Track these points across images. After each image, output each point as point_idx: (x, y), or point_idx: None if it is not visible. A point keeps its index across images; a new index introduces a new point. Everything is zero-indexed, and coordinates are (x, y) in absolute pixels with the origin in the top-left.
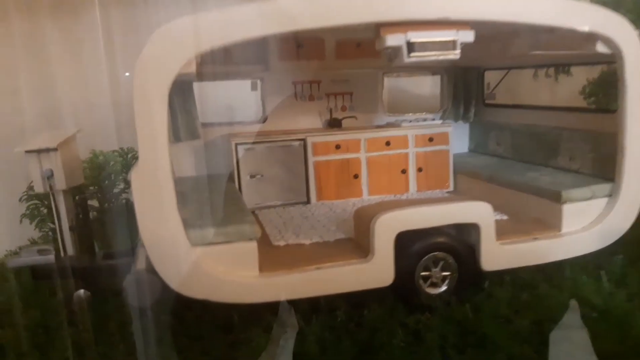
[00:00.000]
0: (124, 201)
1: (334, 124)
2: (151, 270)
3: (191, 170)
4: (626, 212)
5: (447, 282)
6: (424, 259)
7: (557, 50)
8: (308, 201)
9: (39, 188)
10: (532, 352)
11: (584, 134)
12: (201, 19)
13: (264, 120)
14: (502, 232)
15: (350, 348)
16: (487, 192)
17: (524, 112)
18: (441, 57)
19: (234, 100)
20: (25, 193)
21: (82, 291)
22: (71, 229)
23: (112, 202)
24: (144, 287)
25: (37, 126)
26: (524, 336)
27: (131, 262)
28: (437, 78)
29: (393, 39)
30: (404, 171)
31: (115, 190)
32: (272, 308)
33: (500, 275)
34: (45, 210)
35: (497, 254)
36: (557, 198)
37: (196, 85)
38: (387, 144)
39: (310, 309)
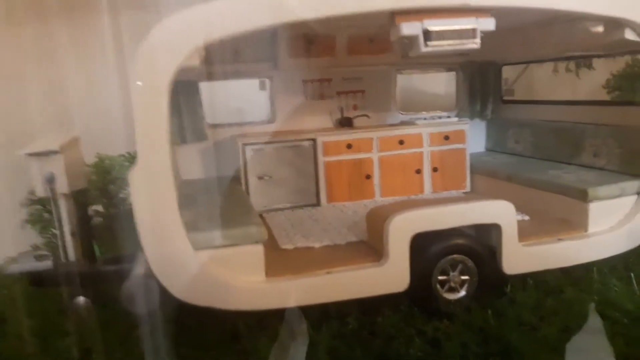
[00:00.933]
0: (129, 206)
1: (345, 123)
2: (151, 275)
3: (198, 173)
4: None
5: (466, 286)
6: (441, 262)
7: (581, 40)
8: (318, 203)
9: (40, 192)
10: None
11: (610, 129)
12: (202, 10)
13: (273, 120)
14: (525, 233)
15: (363, 358)
16: (507, 192)
17: (544, 107)
18: (460, 47)
19: (243, 100)
20: (28, 197)
21: (81, 298)
22: (73, 234)
23: (117, 206)
24: (143, 293)
25: (47, 130)
26: (551, 344)
27: (133, 267)
28: (452, 74)
29: (409, 28)
30: (418, 171)
31: (121, 195)
32: (281, 315)
33: (523, 279)
34: (48, 215)
35: (519, 256)
36: (582, 196)
37: (203, 85)
38: (401, 142)
39: (319, 316)
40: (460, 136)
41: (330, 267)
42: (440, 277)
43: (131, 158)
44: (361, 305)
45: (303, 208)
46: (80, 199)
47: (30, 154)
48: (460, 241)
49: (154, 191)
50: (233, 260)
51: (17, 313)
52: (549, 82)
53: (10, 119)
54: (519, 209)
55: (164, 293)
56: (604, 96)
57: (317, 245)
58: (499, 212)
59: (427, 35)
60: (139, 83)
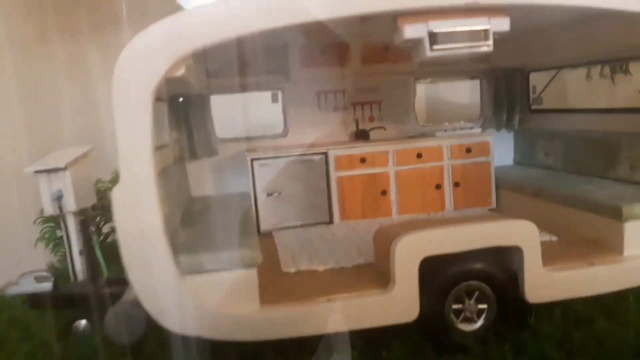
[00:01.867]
0: None
1: (360, 136)
2: (137, 302)
3: (209, 189)
4: None
5: (483, 316)
6: (455, 289)
7: (614, 41)
8: (331, 221)
9: (48, 210)
10: None
11: None
12: (184, 17)
13: (286, 133)
14: (551, 256)
15: None
16: (534, 209)
17: (576, 116)
18: (471, 50)
19: (255, 114)
20: (39, 215)
21: (82, 322)
22: (81, 253)
23: None
24: (128, 322)
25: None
26: None
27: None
28: (476, 83)
29: (412, 30)
30: (438, 186)
31: None
32: (277, 347)
33: (548, 309)
34: (60, 233)
35: (544, 283)
36: (617, 215)
37: (213, 99)
38: (419, 156)
39: (319, 349)
40: (484, 148)
41: (331, 294)
42: (454, 306)
43: None
44: (366, 337)
45: (315, 226)
46: (85, 217)
47: (38, 171)
48: (476, 266)
49: (137, 211)
50: (223, 287)
51: (13, 337)
52: (581, 90)
53: (43, 135)
54: (547, 228)
55: (151, 322)
56: None
57: (321, 268)
58: (520, 233)
59: (433, 37)
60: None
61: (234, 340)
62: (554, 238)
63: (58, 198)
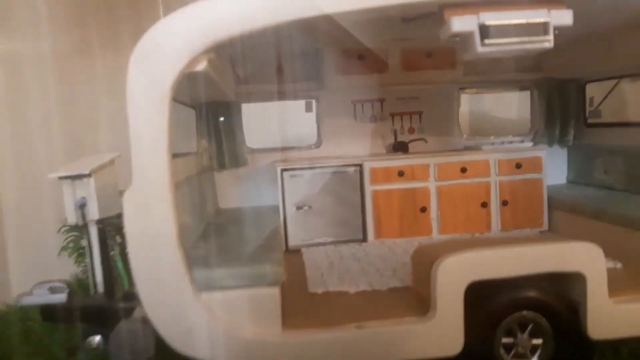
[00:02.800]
0: None
1: (399, 148)
2: (147, 320)
3: (237, 201)
4: None
5: (538, 353)
6: (506, 319)
7: None
8: (364, 239)
9: (71, 218)
10: None
11: None
12: (206, 7)
13: (319, 144)
14: (617, 285)
15: None
16: (594, 232)
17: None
18: (528, 46)
19: (287, 124)
20: (63, 224)
21: (97, 337)
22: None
23: None
24: (133, 340)
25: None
26: None
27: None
28: (526, 94)
29: (461, 23)
30: (484, 204)
31: None
32: None
33: (615, 347)
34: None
35: (610, 316)
36: None
37: (244, 108)
38: (463, 170)
39: None
40: (535, 164)
41: (362, 320)
42: (504, 340)
43: None
44: None
45: (347, 244)
46: (103, 226)
47: (62, 177)
48: (531, 294)
49: (149, 218)
50: (242, 306)
51: (25, 351)
52: None
53: (81, 145)
54: (609, 254)
55: (161, 342)
56: None
57: (352, 290)
58: (584, 257)
59: (485, 31)
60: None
61: None
62: (619, 265)
63: (81, 206)
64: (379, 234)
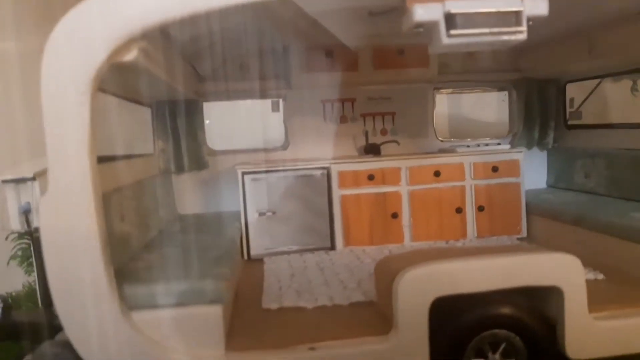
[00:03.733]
0: None
1: (370, 151)
2: (67, 343)
3: (197, 207)
4: None
5: None
6: (476, 339)
7: None
8: (332, 247)
9: (15, 225)
10: None
11: None
12: None
13: (287, 146)
14: (598, 299)
15: None
16: (574, 240)
17: (624, 132)
18: (499, 38)
19: (253, 124)
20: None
21: (29, 357)
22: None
23: None
24: None
25: None
26: None
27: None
28: (504, 95)
29: (425, 11)
30: (459, 210)
31: None
32: None
33: None
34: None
35: (589, 334)
36: None
37: (207, 107)
38: (437, 174)
39: None
40: (512, 167)
41: (317, 340)
42: None
43: None
44: None
45: (314, 252)
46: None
47: (5, 181)
48: (504, 310)
49: (69, 228)
50: (180, 327)
51: None
52: (625, 105)
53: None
54: (590, 263)
55: None
56: None
57: (309, 305)
58: (561, 270)
59: (451, 20)
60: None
61: None
62: (600, 276)
63: (25, 212)
64: (347, 241)
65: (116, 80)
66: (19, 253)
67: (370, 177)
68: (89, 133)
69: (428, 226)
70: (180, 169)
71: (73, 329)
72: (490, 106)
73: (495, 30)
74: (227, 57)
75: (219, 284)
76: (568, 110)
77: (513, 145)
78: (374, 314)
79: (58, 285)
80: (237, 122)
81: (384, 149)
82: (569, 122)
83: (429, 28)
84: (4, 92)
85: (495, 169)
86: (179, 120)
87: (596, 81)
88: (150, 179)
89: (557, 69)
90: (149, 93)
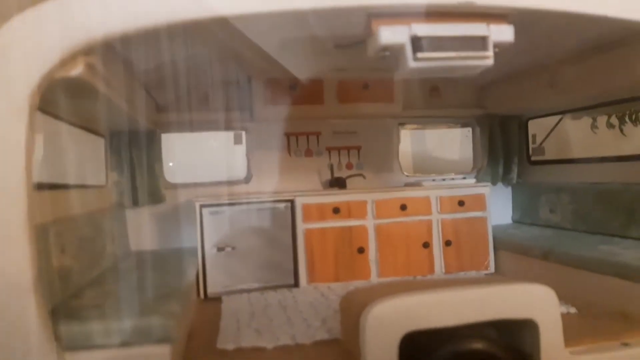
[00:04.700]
0: None
1: (336, 184)
2: None
3: (152, 243)
4: None
5: None
6: None
7: (629, 77)
8: (296, 284)
9: None
10: None
11: None
12: None
13: (249, 180)
14: (572, 333)
15: None
16: (544, 275)
17: (587, 167)
18: (465, 62)
19: (214, 156)
20: None
21: None
22: None
23: None
24: None
25: None
26: None
27: None
28: (467, 131)
29: (390, 34)
30: (426, 245)
31: None
32: None
33: None
34: None
35: None
36: None
37: (165, 138)
38: (403, 207)
39: None
40: (479, 202)
41: None
42: None
43: None
44: None
45: (276, 290)
46: None
47: None
48: (477, 346)
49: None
50: None
51: None
52: (587, 142)
53: None
54: (562, 297)
55: None
56: None
57: (270, 345)
58: (536, 301)
59: (417, 43)
60: None
61: None
62: (572, 309)
63: None
64: (312, 278)
65: (67, 105)
66: None
67: (336, 210)
68: (25, 154)
69: (395, 261)
70: (134, 203)
71: None
72: (454, 142)
73: (463, 54)
74: (188, 88)
75: (167, 321)
76: (531, 146)
77: (478, 180)
78: (339, 353)
79: None
80: (197, 155)
81: (349, 183)
82: (532, 158)
83: (395, 52)
84: None
85: (461, 203)
86: (134, 151)
87: (557, 118)
88: (100, 212)
89: (520, 105)
90: (104, 122)
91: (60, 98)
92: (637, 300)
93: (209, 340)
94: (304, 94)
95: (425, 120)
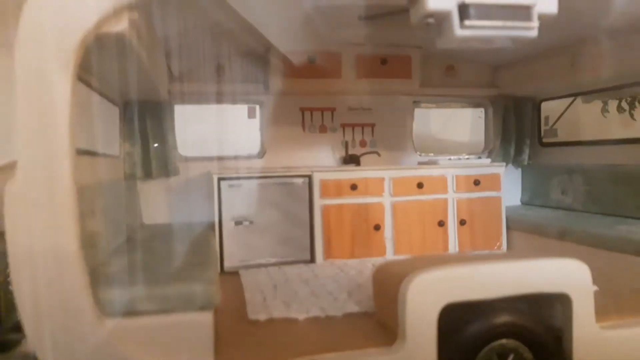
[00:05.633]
0: None
1: (350, 162)
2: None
3: (165, 216)
4: None
5: None
6: (484, 349)
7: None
8: (312, 259)
9: None
10: None
11: None
12: None
13: (262, 154)
14: (599, 309)
15: None
16: (560, 254)
17: (600, 149)
18: (512, 32)
19: (227, 130)
20: None
21: None
22: None
23: None
24: None
25: None
26: None
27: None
28: (481, 111)
29: (438, 0)
30: (441, 223)
31: None
32: None
33: None
34: None
35: (598, 344)
36: None
37: (178, 110)
38: (420, 186)
39: None
40: (494, 181)
41: (315, 353)
42: None
43: None
44: None
45: (292, 265)
46: None
47: None
48: (513, 319)
49: (41, 224)
50: (163, 337)
51: None
52: (597, 125)
53: None
54: None
55: None
56: None
57: (301, 316)
58: (570, 276)
59: (465, 10)
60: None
61: None
62: (594, 288)
63: None
64: (328, 254)
65: (92, 67)
66: None
67: (353, 187)
68: (69, 115)
69: (410, 239)
70: (147, 175)
71: (39, 338)
72: (463, 123)
73: (509, 24)
74: (203, 57)
75: (209, 288)
76: (543, 128)
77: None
78: (372, 325)
79: (23, 287)
80: (209, 128)
81: (363, 161)
82: (544, 140)
83: (440, 18)
84: None
85: (477, 183)
86: (148, 122)
87: (568, 101)
88: (117, 183)
89: (536, 86)
90: (121, 90)
91: (89, 58)
92: None
93: (238, 311)
94: (322, 67)
95: (440, 99)
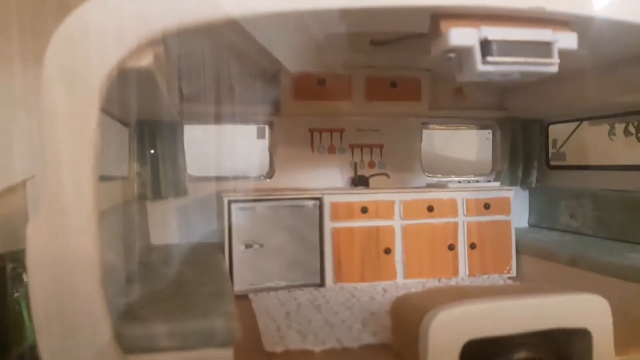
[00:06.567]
0: None
1: (359, 183)
2: None
3: (174, 237)
4: None
5: None
6: None
7: None
8: (322, 283)
9: None
10: None
11: None
12: None
13: (271, 175)
14: (617, 341)
15: None
16: (572, 281)
17: (610, 174)
18: (533, 68)
19: (236, 150)
20: None
21: None
22: None
23: None
24: None
25: None
26: None
27: None
28: (489, 133)
29: (461, 36)
30: (451, 247)
31: None
32: None
33: None
34: None
35: None
36: None
37: (187, 130)
38: (430, 209)
39: None
40: (503, 205)
41: None
42: None
43: None
44: None
45: (302, 289)
46: (7, 262)
47: None
48: (535, 354)
49: (64, 254)
50: None
51: None
52: (603, 148)
53: None
54: None
55: None
56: None
57: (317, 348)
58: (591, 311)
59: (487, 47)
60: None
61: None
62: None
63: None
64: (338, 278)
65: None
66: None
67: (364, 210)
68: (94, 146)
69: (420, 263)
70: (156, 195)
71: None
72: (468, 144)
73: (530, 60)
74: (214, 78)
75: (229, 323)
76: (551, 150)
77: (500, 183)
78: (390, 358)
79: (44, 321)
80: (217, 148)
81: (372, 182)
82: (552, 163)
83: (461, 54)
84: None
85: (487, 206)
86: (158, 142)
87: (576, 124)
88: (124, 205)
89: (544, 109)
90: (131, 111)
91: (112, 89)
92: None
93: (252, 341)
94: (332, 89)
95: (449, 120)
